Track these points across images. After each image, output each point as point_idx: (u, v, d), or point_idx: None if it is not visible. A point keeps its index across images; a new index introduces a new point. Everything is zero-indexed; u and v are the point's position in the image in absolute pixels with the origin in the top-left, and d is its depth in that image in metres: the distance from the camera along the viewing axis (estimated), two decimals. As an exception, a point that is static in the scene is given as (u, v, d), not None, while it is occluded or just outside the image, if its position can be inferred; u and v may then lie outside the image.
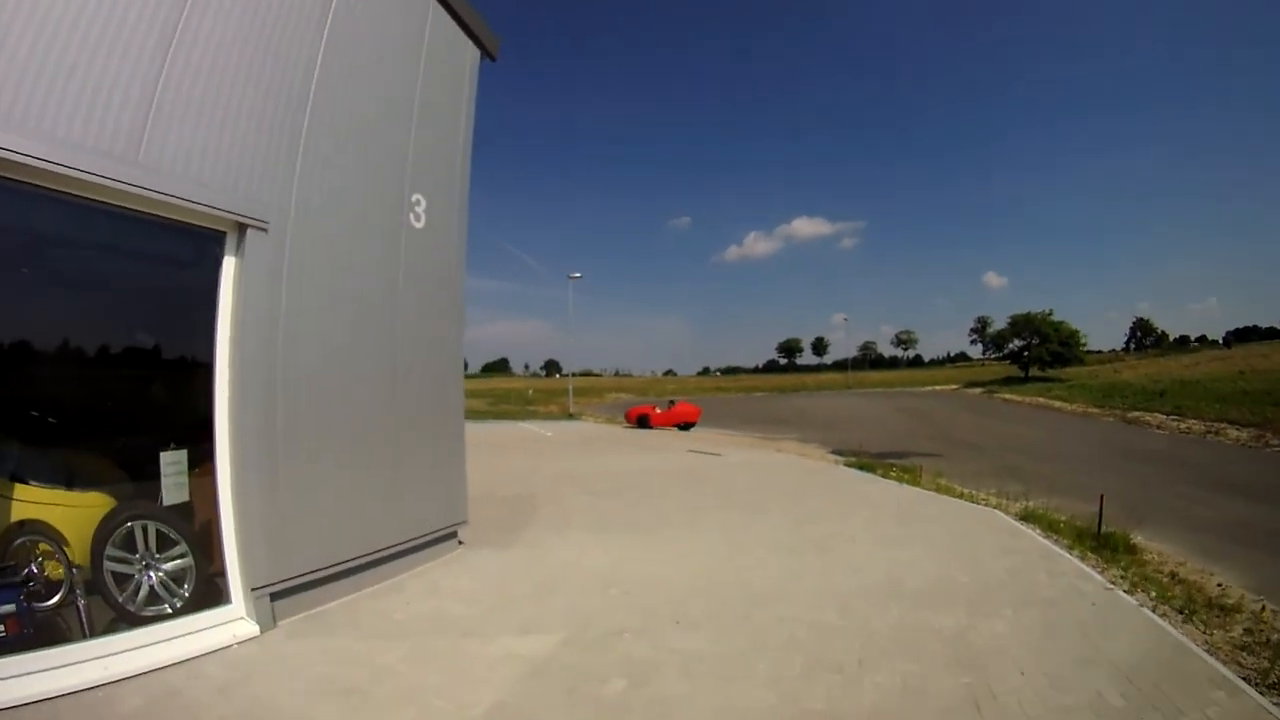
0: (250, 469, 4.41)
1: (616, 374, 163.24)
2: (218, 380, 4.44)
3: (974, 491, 10.04)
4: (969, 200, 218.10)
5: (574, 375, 40.54)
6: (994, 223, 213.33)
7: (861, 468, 12.85)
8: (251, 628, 4.33)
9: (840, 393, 65.06)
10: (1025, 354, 69.81)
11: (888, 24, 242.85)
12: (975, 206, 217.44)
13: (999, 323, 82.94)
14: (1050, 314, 69.91)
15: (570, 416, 32.88)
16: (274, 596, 4.50)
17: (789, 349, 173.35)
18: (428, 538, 5.90)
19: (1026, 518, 7.98)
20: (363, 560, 5.17)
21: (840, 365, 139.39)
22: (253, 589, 4.37)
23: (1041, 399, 43.58)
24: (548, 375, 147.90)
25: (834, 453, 16.62)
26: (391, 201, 5.65)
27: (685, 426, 26.05)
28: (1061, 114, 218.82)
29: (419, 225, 5.84)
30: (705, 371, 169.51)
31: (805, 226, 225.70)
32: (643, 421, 25.80)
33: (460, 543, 6.46)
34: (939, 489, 10.30)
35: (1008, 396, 48.94)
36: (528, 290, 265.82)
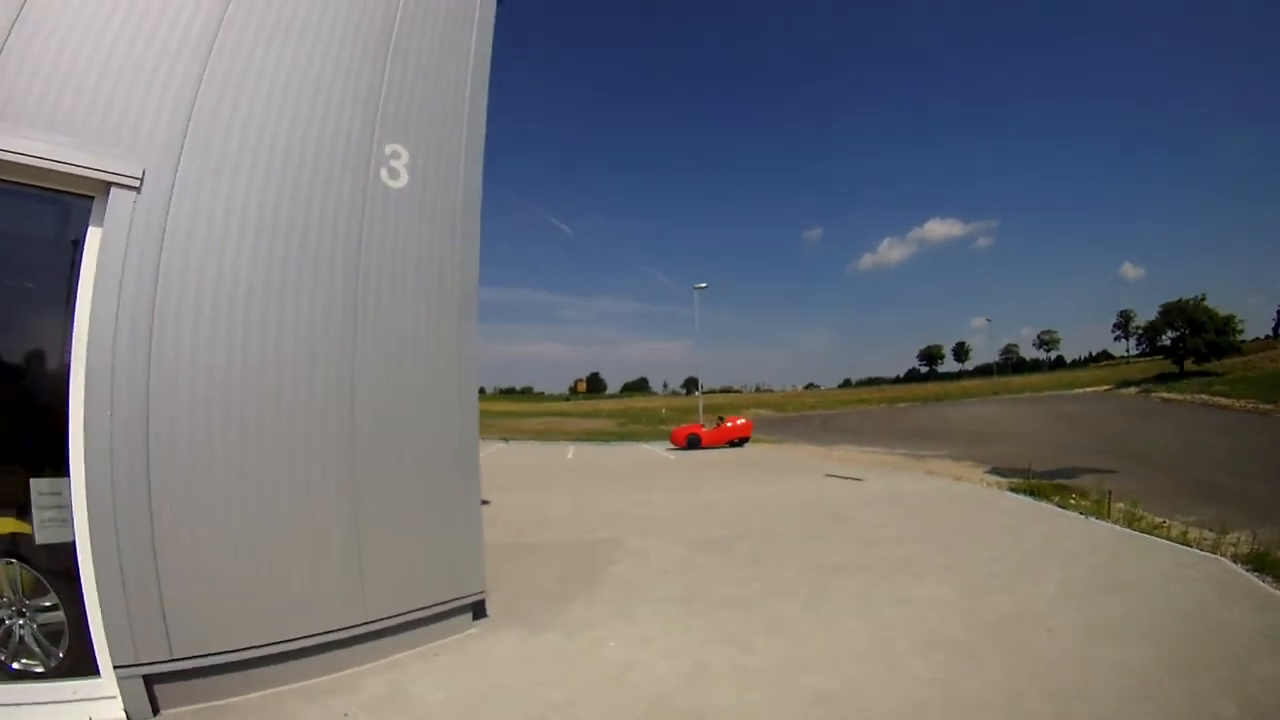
0: (118, 510, 3.27)
1: (757, 389, 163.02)
2: (72, 394, 3.31)
3: (1173, 523, 7.80)
4: (1099, 190, 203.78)
5: (713, 391, 38.76)
6: (1128, 211, 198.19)
7: (1031, 493, 10.42)
8: (117, 712, 3.23)
9: (985, 400, 60.28)
10: (1180, 346, 60.93)
11: (1018, 20, 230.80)
12: (1106, 196, 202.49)
13: (1142, 316, 75.20)
14: (1203, 300, 60.74)
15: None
16: (154, 679, 3.31)
17: (930, 356, 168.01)
18: (416, 616, 4.41)
19: (1262, 566, 5.72)
20: (299, 644, 3.80)
21: (982, 371, 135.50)
22: (116, 667, 3.23)
23: (1204, 395, 37.78)
24: (687, 393, 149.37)
25: (992, 472, 14.00)
26: (352, 150, 4.30)
27: (738, 443, 24.37)
28: (1188, 92, 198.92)
29: (396, 185, 4.46)
30: (846, 383, 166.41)
31: (938, 229, 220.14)
32: (692, 443, 23.75)
33: (479, 618, 4.94)
34: (1133, 522, 7.92)
35: (1165, 395, 42.80)
36: (667, 310, 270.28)
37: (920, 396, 74.99)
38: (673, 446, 23.77)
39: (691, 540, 7.72)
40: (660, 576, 6.19)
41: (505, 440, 28.56)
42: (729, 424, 25.17)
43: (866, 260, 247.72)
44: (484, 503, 10.08)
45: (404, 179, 4.55)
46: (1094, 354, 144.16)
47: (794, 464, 17.71)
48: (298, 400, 3.91)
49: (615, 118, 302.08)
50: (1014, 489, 10.98)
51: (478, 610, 4.93)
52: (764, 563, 6.64)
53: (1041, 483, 11.29)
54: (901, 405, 62.22)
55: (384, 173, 4.44)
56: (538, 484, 13.78)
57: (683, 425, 26.51)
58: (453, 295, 4.78)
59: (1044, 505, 9.44)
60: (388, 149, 4.47)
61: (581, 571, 6.41)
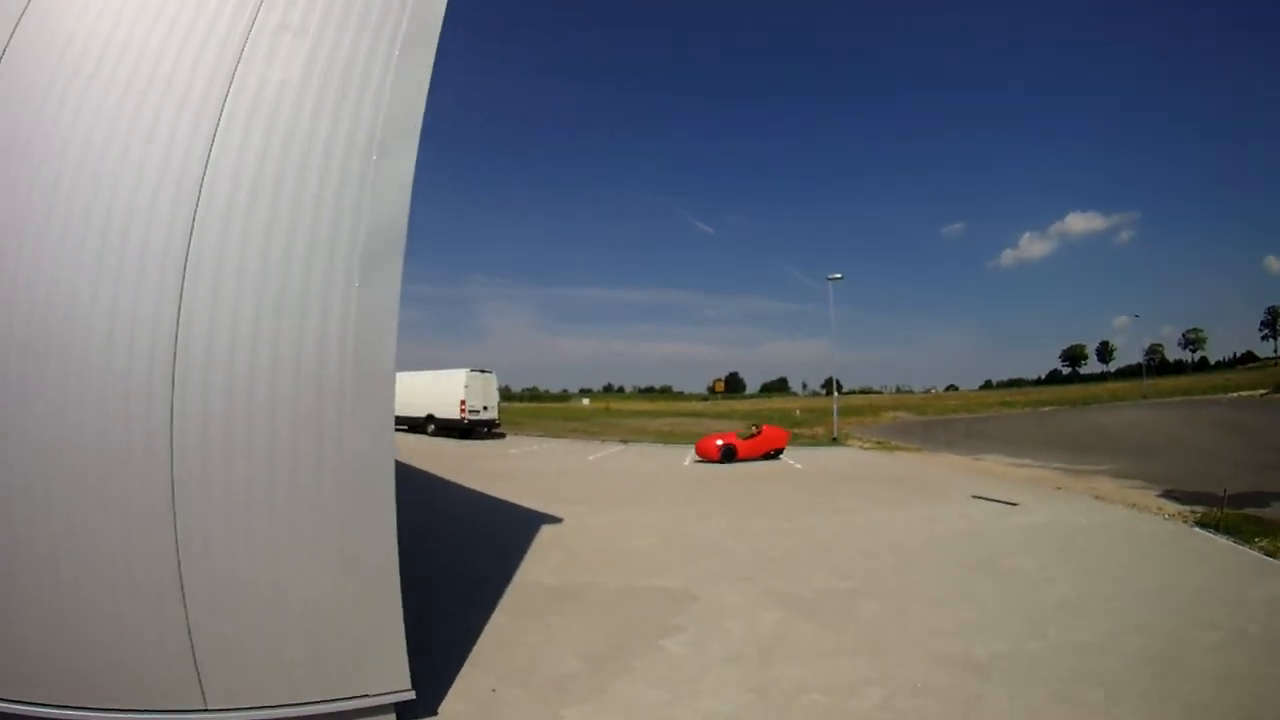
0: None
1: (897, 390, 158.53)
2: None
3: None
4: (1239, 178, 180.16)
5: (852, 392, 35.94)
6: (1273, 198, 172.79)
7: (1229, 530, 8.22)
8: None
9: (1136, 404, 54.58)
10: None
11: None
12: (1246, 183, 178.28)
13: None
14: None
15: (834, 441, 28.43)
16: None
17: (1073, 356, 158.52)
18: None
19: None
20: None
21: (1126, 373, 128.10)
22: None
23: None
24: (826, 393, 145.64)
25: (1166, 496, 11.36)
26: None
27: (774, 455, 20.59)
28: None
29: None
30: (987, 385, 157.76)
31: (1079, 222, 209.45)
32: (729, 455, 19.10)
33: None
34: None
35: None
36: (806, 309, 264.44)
37: (1067, 400, 70.00)
38: (699, 459, 19.31)
39: (792, 596, 6.06)
40: (729, 666, 4.55)
41: (625, 443, 27.22)
42: (765, 433, 20.80)
43: (1008, 256, 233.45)
44: (556, 520, 8.64)
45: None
46: (1238, 354, 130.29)
47: (935, 480, 15.34)
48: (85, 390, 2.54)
49: (755, 119, 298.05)
50: (1201, 524, 8.77)
51: (412, 712, 3.35)
52: (887, 646, 4.81)
53: (1229, 513, 8.96)
54: (1047, 409, 57.48)
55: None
56: (636, 497, 12.40)
57: (715, 434, 21.19)
58: (344, 243, 3.20)
59: (1249, 553, 7.28)
60: None
61: (621, 643, 4.80)
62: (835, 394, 36.51)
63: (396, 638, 3.41)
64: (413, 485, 13.49)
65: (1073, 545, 8.05)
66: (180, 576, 3.02)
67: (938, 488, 13.74)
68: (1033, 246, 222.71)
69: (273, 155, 3.32)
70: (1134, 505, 10.60)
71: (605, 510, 10.65)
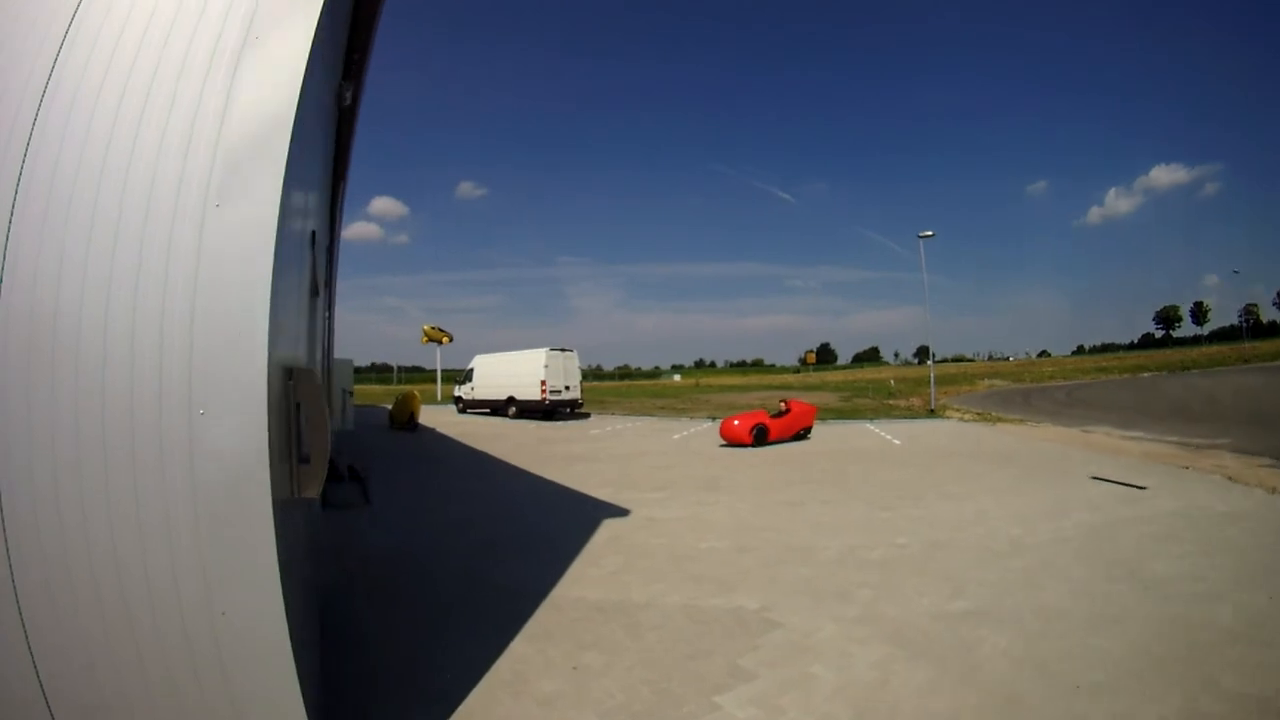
0: None
1: (990, 358, 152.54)
2: None
3: None
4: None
5: (944, 361, 33.34)
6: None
7: None
8: None
9: (1239, 369, 51.12)
10: None
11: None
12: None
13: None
14: None
15: (931, 413, 26.23)
16: None
17: (1166, 318, 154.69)
18: None
19: None
20: None
21: (1221, 335, 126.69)
22: None
23: None
24: (919, 362, 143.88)
25: None
26: None
27: (803, 434, 17.75)
28: None
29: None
30: (1079, 350, 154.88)
31: (1163, 175, 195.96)
32: (761, 436, 16.15)
33: None
34: None
35: None
36: (896, 277, 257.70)
37: (1164, 364, 66.41)
38: (725, 442, 16.38)
39: (896, 624, 4.72)
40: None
41: (713, 419, 25.86)
42: (794, 410, 17.64)
43: (1094, 214, 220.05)
44: (621, 513, 7.51)
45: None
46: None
47: (1047, 456, 13.46)
48: None
49: (831, 83, 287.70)
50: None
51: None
52: (1026, 709, 3.27)
53: None
54: (1146, 375, 54.22)
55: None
56: (716, 482, 11.07)
57: (743, 413, 17.99)
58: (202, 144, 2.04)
59: None
60: None
61: (664, 702, 3.47)
62: (930, 362, 33.71)
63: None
64: (465, 472, 12.68)
65: (1222, 542, 6.46)
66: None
67: (1052, 466, 11.97)
68: (1119, 203, 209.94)
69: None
70: (1274, 490, 8.79)
71: (679, 499, 9.44)
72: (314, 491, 2.91)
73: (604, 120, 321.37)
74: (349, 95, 9.51)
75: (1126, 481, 9.74)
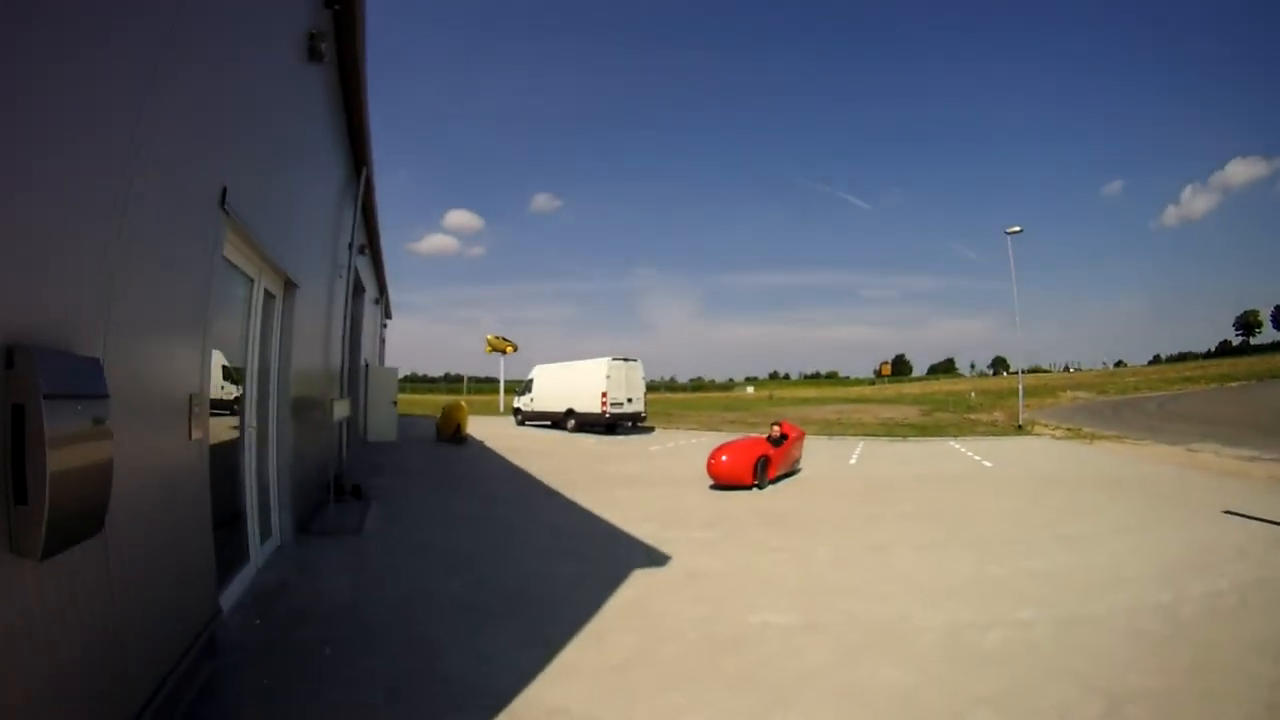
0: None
1: (1066, 369, 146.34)
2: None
3: None
4: None
5: (1022, 372, 29.98)
6: None
7: None
8: None
9: None
10: None
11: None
12: None
13: None
14: None
15: (1019, 429, 23.32)
16: None
17: (1246, 324, 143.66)
18: None
19: None
20: None
21: None
22: None
23: None
24: (995, 374, 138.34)
25: None
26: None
27: (796, 468, 13.47)
28: None
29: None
30: (1156, 359, 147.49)
31: (1241, 170, 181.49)
32: (762, 469, 11.40)
33: None
34: None
35: None
36: (971, 285, 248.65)
37: (1252, 373, 62.08)
38: (717, 484, 11.46)
39: None
40: None
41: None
42: (790, 437, 12.97)
43: (1171, 214, 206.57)
44: (659, 561, 5.92)
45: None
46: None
47: (1160, 482, 11.43)
48: None
49: (905, 85, 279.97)
50: None
51: None
52: None
53: None
54: (1234, 384, 50.50)
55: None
56: (784, 517, 8.96)
57: (733, 441, 12.77)
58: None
59: None
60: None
61: None
62: (1020, 373, 30.37)
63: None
64: (493, 495, 10.91)
65: None
66: None
67: (1172, 496, 9.89)
68: (1196, 201, 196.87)
69: None
70: None
71: (734, 539, 7.48)
72: (34, 548, 2.11)
73: (676, 129, 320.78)
74: (325, 48, 8.06)
75: (1267, 517, 7.95)
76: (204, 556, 4.36)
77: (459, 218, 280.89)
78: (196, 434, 4.14)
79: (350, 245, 11.96)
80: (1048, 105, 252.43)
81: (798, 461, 13.58)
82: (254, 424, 6.25)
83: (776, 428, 12.84)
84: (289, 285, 7.30)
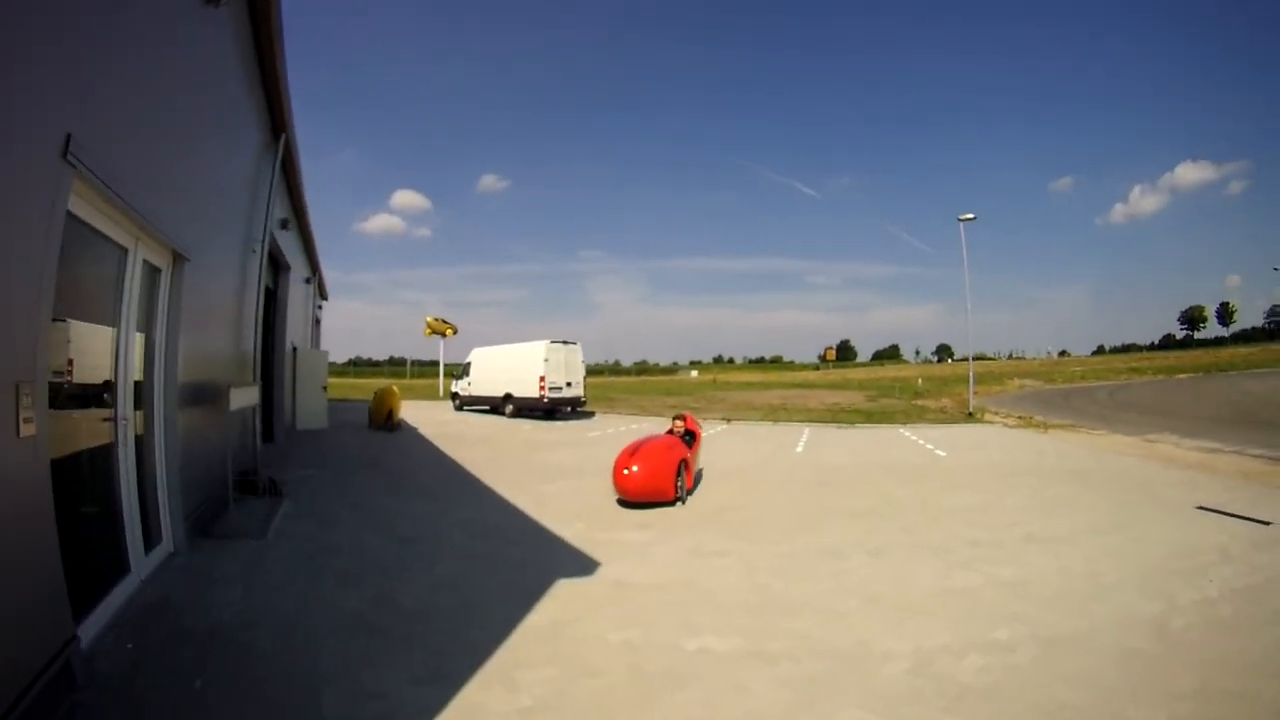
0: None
1: (1010, 356, 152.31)
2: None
3: None
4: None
5: (963, 360, 30.47)
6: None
7: None
8: None
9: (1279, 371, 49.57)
10: None
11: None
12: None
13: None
14: None
15: (970, 416, 23.54)
16: None
17: (1192, 319, 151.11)
18: None
19: None
20: None
21: (1241, 337, 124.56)
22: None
23: None
24: (939, 360, 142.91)
25: None
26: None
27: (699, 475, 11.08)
28: None
29: None
30: (1100, 350, 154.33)
31: (1190, 173, 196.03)
32: (681, 477, 9.07)
33: None
34: None
35: None
36: (917, 273, 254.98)
37: (1198, 366, 65.47)
38: (625, 499, 8.90)
39: None
40: None
41: (728, 421, 23.44)
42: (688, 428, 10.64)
43: (1118, 212, 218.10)
44: (586, 568, 5.84)
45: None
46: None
47: (1125, 474, 11.30)
48: None
49: (854, 76, 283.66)
50: None
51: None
52: None
53: None
54: (1182, 376, 52.44)
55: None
56: (728, 513, 8.54)
57: (643, 441, 9.68)
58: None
59: None
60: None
61: None
62: (970, 360, 30.56)
63: None
64: (416, 489, 10.13)
65: None
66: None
67: (1139, 490, 9.63)
68: (1143, 201, 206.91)
69: None
70: None
71: (671, 542, 6.97)
72: None
73: (627, 113, 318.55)
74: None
75: (1242, 514, 7.80)
76: (46, 577, 3.67)
77: (406, 198, 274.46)
78: (28, 431, 3.44)
79: (266, 218, 11.02)
80: (1000, 100, 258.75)
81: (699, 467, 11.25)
82: (128, 415, 5.48)
83: (680, 422, 10.65)
84: (178, 258, 6.51)
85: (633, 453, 9.08)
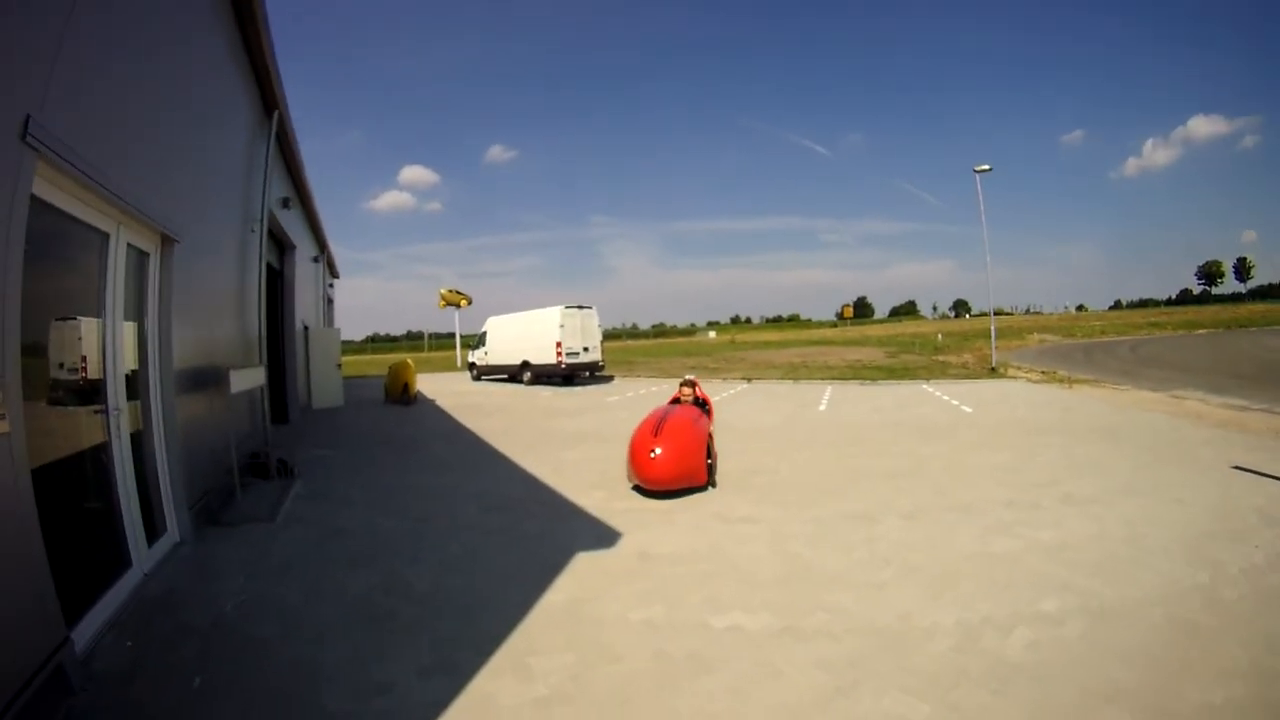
0: None
1: (1028, 311, 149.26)
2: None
3: None
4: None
5: (983, 315, 29.76)
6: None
7: None
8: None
9: None
10: None
11: None
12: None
13: None
14: None
15: (993, 371, 22.97)
16: None
17: (1209, 274, 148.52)
18: None
19: None
20: None
21: (1258, 293, 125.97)
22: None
23: None
24: (956, 316, 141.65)
25: None
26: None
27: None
28: None
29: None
30: (1117, 305, 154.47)
31: (1202, 126, 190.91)
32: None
33: None
34: None
35: None
36: (931, 229, 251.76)
37: (1218, 321, 63.22)
38: (642, 487, 7.35)
39: None
40: None
41: (749, 381, 23.10)
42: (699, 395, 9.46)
43: (1131, 165, 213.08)
44: (608, 539, 5.69)
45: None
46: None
47: (1155, 431, 10.55)
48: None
49: (860, 36, 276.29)
50: None
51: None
52: None
53: None
54: (1202, 331, 50.93)
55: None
56: (752, 476, 8.21)
57: (670, 415, 7.89)
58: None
59: None
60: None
61: None
62: (991, 314, 29.74)
63: None
64: (431, 462, 9.91)
65: None
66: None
67: (1171, 448, 9.05)
68: (1156, 154, 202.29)
69: None
70: None
71: (694, 509, 6.68)
72: None
73: (634, 77, 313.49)
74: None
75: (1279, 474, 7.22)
76: (30, 579, 3.46)
77: (414, 173, 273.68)
78: (0, 428, 3.23)
79: (264, 197, 10.72)
80: (1009, 56, 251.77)
81: None
82: (120, 406, 5.25)
83: (689, 389, 9.22)
84: (166, 240, 6.23)
85: (656, 429, 7.41)
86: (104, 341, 5.12)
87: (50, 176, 4.03)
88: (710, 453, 7.62)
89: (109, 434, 5.07)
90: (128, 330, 5.59)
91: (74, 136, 4.11)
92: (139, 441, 5.66)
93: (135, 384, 5.72)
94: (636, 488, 7.43)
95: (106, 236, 5.14)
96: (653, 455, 7.07)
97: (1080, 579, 4.56)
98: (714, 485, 7.60)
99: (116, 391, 5.22)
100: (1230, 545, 5.13)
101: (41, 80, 3.83)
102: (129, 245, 5.50)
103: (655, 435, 7.28)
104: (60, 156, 3.91)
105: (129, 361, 5.60)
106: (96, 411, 5.02)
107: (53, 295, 4.65)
